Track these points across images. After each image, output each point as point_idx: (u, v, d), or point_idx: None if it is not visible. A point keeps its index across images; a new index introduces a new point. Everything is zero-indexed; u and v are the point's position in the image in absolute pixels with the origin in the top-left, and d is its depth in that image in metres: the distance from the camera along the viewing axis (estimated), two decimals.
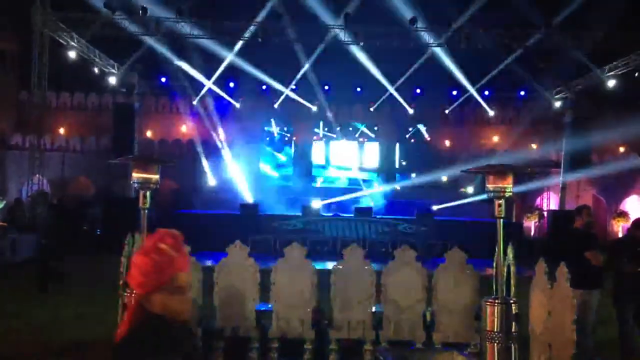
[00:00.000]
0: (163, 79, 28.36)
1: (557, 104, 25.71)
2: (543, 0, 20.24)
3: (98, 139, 28.45)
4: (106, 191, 26.47)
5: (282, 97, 27.96)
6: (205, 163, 27.23)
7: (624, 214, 27.11)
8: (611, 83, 21.66)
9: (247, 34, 21.22)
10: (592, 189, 28.29)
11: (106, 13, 19.44)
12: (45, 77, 20.63)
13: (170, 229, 2.77)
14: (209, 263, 8.26)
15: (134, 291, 2.83)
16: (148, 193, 6.60)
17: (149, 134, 29.64)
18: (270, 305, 7.84)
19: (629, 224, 25.16)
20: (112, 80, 23.85)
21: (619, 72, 21.48)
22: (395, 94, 27.28)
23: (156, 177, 6.60)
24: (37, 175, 21.44)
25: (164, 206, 22.27)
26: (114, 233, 13.51)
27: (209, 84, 26.38)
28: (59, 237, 17.50)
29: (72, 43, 20.57)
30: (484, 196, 6.68)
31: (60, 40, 20.50)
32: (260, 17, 21.15)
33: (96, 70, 23.38)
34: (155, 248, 2.65)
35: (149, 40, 21.86)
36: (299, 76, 26.04)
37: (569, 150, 24.50)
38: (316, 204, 24.08)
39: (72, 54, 20.69)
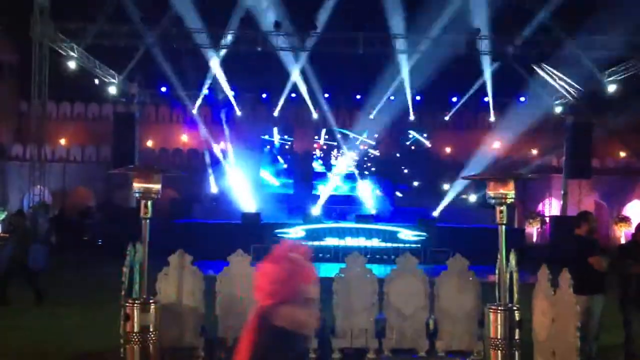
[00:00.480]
0: (163, 89, 28.39)
1: (558, 110, 25.70)
2: (543, 6, 20.23)
3: (98, 148, 28.47)
4: (107, 201, 26.47)
5: (282, 104, 27.95)
6: (206, 172, 27.22)
7: (625, 219, 27.08)
8: (612, 88, 21.64)
9: (246, 43, 21.25)
10: (593, 194, 28.26)
11: (101, 23, 19.50)
12: (46, 88, 20.64)
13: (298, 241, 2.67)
14: (211, 272, 8.23)
15: (259, 302, 2.70)
16: (149, 202, 6.60)
17: (149, 143, 29.67)
18: None
19: (631, 229, 25.18)
20: (112, 90, 23.86)
21: (619, 77, 21.47)
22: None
23: (157, 186, 6.60)
24: (38, 186, 21.43)
25: (164, 215, 22.24)
26: (115, 243, 13.51)
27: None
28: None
29: (72, 53, 20.59)
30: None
31: (60, 51, 20.52)
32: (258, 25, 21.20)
33: (96, 80, 23.39)
34: (287, 257, 2.53)
35: (150, 50, 21.90)
36: (294, 84, 26.00)
37: (570, 156, 24.49)
38: (317, 211, 24.11)
39: (71, 64, 20.70)
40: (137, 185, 6.57)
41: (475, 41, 20.79)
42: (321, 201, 25.56)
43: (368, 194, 27.29)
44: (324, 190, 27.09)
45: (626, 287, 7.82)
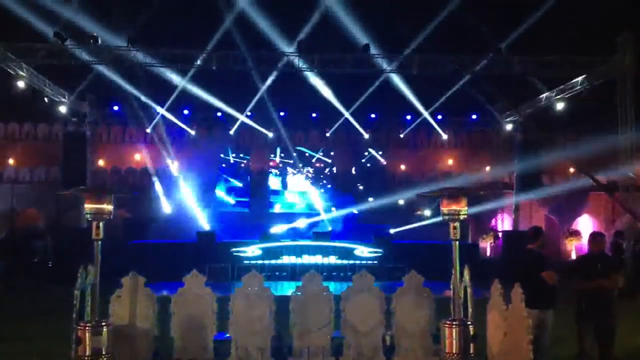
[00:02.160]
0: (115, 107, 28.01)
1: (508, 127, 26.29)
2: (491, 26, 20.75)
3: (48, 169, 27.82)
4: (57, 222, 25.84)
5: (238, 124, 27.91)
6: (160, 191, 26.86)
7: (576, 234, 27.70)
8: (559, 106, 22.24)
9: (201, 62, 21.17)
10: (544, 209, 28.88)
11: (55, 42, 19.10)
12: None
13: None
14: (165, 293, 8.11)
15: None
16: (101, 224, 6.50)
17: (101, 163, 29.15)
18: (228, 335, 7.74)
19: (581, 243, 25.74)
20: (63, 109, 23.41)
21: (567, 96, 22.09)
22: (351, 119, 27.50)
23: (109, 207, 6.51)
24: None
25: (117, 236, 21.83)
26: (66, 265, 13.22)
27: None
28: None
29: (21, 72, 20.17)
30: (439, 218, 6.77)
31: (9, 70, 20.08)
32: (214, 44, 21.17)
33: (46, 99, 22.89)
34: None
35: (101, 69, 21.61)
36: (254, 103, 26.06)
37: (521, 172, 25.03)
38: (274, 229, 24.07)
39: (20, 84, 20.26)
40: (88, 207, 6.46)
41: (424, 61, 21.18)
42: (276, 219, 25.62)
43: (324, 211, 27.34)
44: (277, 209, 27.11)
45: (579, 302, 7.91)
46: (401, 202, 26.29)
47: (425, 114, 27.22)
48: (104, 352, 6.42)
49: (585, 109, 22.92)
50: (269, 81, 23.77)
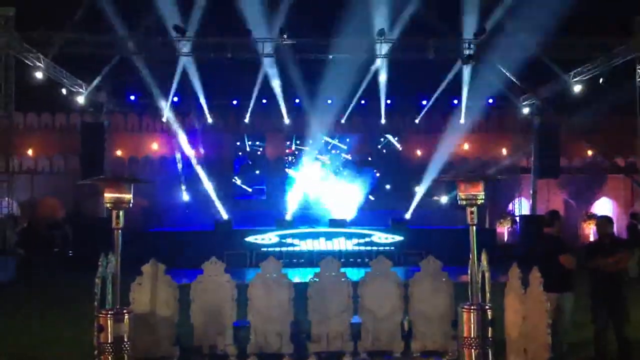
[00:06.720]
0: (132, 97, 28.12)
1: (525, 111, 26.05)
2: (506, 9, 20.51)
3: (67, 159, 28.06)
4: (76, 211, 26.10)
5: (253, 111, 27.87)
6: (177, 180, 27.02)
7: (594, 217, 27.49)
8: (577, 88, 22.00)
9: (217, 50, 21.20)
10: (562, 192, 28.69)
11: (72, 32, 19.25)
12: (12, 99, 20.32)
13: None
14: (185, 281, 8.20)
15: None
16: (121, 213, 6.57)
17: (118, 152, 29.35)
18: (247, 321, 7.81)
19: None
20: (80, 100, 23.56)
21: (584, 78, 21.85)
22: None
23: (128, 196, 6.58)
24: (6, 198, 21.08)
25: (135, 224, 22.01)
26: (86, 254, 13.38)
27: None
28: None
29: (38, 63, 20.32)
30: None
31: (26, 61, 20.23)
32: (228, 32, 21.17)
33: (63, 90, 23.07)
34: None
35: (118, 59, 21.70)
36: (265, 90, 26.02)
37: (539, 156, 24.85)
38: (291, 216, 24.15)
39: (38, 74, 20.41)
40: (108, 196, 6.53)
41: (441, 44, 21.05)
42: (292, 206, 25.67)
43: (342, 198, 27.32)
44: (293, 196, 27.08)
45: (592, 284, 7.88)
46: (418, 189, 26.15)
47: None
48: (125, 339, 6.52)
49: (603, 90, 22.66)
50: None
